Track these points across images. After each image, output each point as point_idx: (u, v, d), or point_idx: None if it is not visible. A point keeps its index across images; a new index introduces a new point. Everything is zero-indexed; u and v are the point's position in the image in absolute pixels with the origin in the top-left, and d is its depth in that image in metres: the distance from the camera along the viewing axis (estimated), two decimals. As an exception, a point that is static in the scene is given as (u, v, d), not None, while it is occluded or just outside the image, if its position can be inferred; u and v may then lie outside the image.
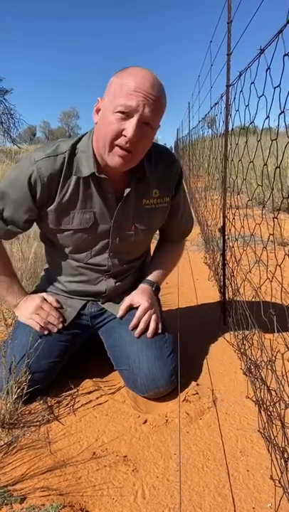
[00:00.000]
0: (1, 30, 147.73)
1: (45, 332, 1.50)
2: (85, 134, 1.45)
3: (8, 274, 1.56)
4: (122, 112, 1.23)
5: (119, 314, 1.57)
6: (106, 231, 1.48)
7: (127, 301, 1.58)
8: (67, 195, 1.40)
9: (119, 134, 1.25)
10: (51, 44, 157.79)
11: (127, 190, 1.44)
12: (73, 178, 1.40)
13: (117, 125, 1.24)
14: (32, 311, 1.52)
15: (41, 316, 1.51)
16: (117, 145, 1.28)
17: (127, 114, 1.23)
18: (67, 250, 1.51)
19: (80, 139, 1.43)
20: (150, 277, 1.66)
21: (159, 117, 1.31)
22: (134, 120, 1.23)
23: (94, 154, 1.38)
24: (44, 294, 1.59)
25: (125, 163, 1.32)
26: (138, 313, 1.53)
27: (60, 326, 1.53)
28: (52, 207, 1.41)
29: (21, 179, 1.37)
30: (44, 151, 1.38)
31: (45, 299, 1.57)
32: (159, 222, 1.61)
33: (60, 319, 1.54)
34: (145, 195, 1.50)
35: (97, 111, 1.34)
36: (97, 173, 1.37)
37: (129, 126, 1.23)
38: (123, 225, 1.50)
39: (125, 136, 1.25)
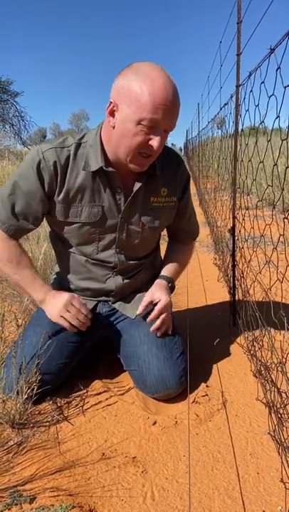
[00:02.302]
0: (10, 33, 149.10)
1: (75, 330, 1.47)
2: (92, 130, 1.46)
3: (28, 268, 1.51)
4: (149, 126, 1.25)
5: (138, 311, 1.52)
6: (113, 226, 1.49)
7: (148, 297, 1.53)
8: (75, 187, 1.42)
9: (145, 145, 1.28)
10: (61, 46, 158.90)
11: (138, 185, 1.45)
12: (82, 172, 1.41)
13: (143, 137, 1.27)
14: (62, 309, 1.45)
15: (72, 313, 1.45)
16: (140, 153, 1.31)
17: (151, 126, 1.25)
18: (73, 243, 1.52)
19: (85, 135, 1.45)
20: (166, 273, 1.64)
21: (176, 123, 1.34)
22: (160, 133, 1.27)
23: (102, 149, 1.40)
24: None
25: (144, 167, 1.38)
26: (159, 306, 1.50)
27: (89, 323, 1.48)
28: (60, 198, 1.42)
29: (30, 169, 1.39)
30: (51, 143, 1.41)
31: (73, 296, 1.49)
32: (166, 220, 1.61)
33: (90, 316, 1.48)
34: (153, 193, 1.51)
35: (111, 113, 1.31)
36: (104, 168, 1.39)
37: (156, 138, 1.27)
38: (130, 220, 1.51)
39: (152, 146, 1.28)
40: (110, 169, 1.40)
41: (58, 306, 1.46)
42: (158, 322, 1.50)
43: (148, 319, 1.50)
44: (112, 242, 1.52)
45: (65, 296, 1.47)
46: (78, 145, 1.42)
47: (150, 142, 1.27)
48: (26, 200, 1.42)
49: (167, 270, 1.66)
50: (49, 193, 1.42)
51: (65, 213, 1.45)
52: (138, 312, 1.53)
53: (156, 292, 1.55)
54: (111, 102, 1.30)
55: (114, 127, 1.31)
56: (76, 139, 1.43)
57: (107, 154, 1.40)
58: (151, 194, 1.51)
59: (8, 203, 1.43)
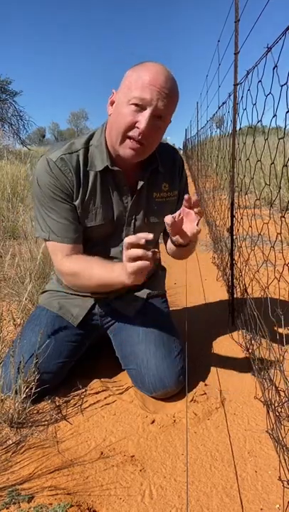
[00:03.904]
0: (11, 33, 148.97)
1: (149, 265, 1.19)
2: (97, 129, 1.47)
3: (97, 268, 1.40)
4: (136, 104, 1.25)
5: (168, 219, 1.23)
6: (121, 224, 1.51)
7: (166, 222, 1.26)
8: (88, 191, 1.42)
9: (132, 125, 1.28)
10: (60, 45, 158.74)
11: (141, 182, 1.46)
12: (91, 174, 1.42)
13: (130, 117, 1.27)
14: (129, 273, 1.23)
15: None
16: (129, 137, 1.30)
17: (140, 107, 1.26)
18: (85, 244, 1.50)
19: (92, 135, 1.45)
20: None
21: (170, 112, 1.33)
22: (147, 113, 1.26)
23: (107, 148, 1.40)
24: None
25: (137, 155, 1.35)
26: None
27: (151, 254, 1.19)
28: (77, 202, 1.42)
29: (47, 182, 1.38)
30: (59, 151, 1.39)
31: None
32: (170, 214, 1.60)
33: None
34: (155, 188, 1.53)
35: (112, 103, 1.37)
36: (110, 166, 1.40)
37: (143, 119, 1.26)
38: (137, 217, 1.52)
39: (138, 128, 1.27)
40: (116, 168, 1.41)
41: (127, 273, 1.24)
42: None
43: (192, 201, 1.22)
44: (119, 240, 1.52)
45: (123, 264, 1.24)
46: (87, 149, 1.41)
47: (137, 124, 1.27)
48: (60, 211, 1.41)
49: None
50: (70, 199, 1.41)
51: (82, 219, 1.45)
52: (167, 220, 1.24)
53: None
54: (112, 93, 1.35)
55: (111, 115, 1.35)
56: (83, 142, 1.42)
57: (110, 151, 1.41)
58: (153, 190, 1.53)
59: (53, 221, 1.41)
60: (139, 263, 1.17)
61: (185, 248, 1.43)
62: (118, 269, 1.30)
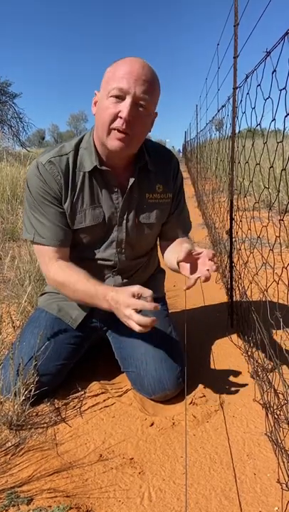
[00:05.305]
0: (11, 35, 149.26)
1: (144, 331, 1.26)
2: (87, 132, 1.49)
3: (83, 282, 1.41)
4: (116, 96, 1.27)
5: (180, 258, 1.28)
6: (113, 225, 1.51)
7: (184, 251, 1.28)
8: (77, 193, 1.43)
9: (115, 116, 1.29)
10: (60, 47, 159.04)
11: (131, 180, 1.46)
12: (80, 175, 1.43)
13: (112, 109, 1.28)
14: (123, 318, 1.31)
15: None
16: (114, 128, 1.31)
17: (121, 97, 1.27)
18: (76, 246, 1.51)
19: (82, 138, 1.47)
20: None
21: (152, 100, 1.34)
22: (127, 101, 1.27)
23: (95, 148, 1.42)
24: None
25: (125, 146, 1.34)
26: (209, 252, 1.28)
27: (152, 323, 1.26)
28: (66, 205, 1.43)
29: (36, 185, 1.40)
30: (49, 154, 1.41)
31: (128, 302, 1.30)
32: (163, 217, 1.60)
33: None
34: (148, 189, 1.53)
35: (95, 103, 1.39)
36: (98, 166, 1.41)
37: (124, 107, 1.27)
38: (128, 218, 1.52)
39: (121, 117, 1.28)
40: (104, 168, 1.42)
41: (120, 314, 1.32)
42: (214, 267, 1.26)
43: (210, 257, 1.27)
44: (112, 241, 1.53)
45: (121, 305, 1.30)
46: (76, 151, 1.43)
47: (120, 114, 1.28)
48: (49, 211, 1.42)
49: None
50: (58, 202, 1.43)
51: (71, 221, 1.46)
52: (179, 259, 1.29)
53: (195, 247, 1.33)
54: (95, 94, 1.38)
55: (95, 114, 1.37)
56: (73, 145, 1.44)
57: (99, 151, 1.42)
58: (146, 191, 1.53)
59: (39, 223, 1.43)
60: (141, 320, 1.24)
61: None
62: (109, 297, 1.34)
